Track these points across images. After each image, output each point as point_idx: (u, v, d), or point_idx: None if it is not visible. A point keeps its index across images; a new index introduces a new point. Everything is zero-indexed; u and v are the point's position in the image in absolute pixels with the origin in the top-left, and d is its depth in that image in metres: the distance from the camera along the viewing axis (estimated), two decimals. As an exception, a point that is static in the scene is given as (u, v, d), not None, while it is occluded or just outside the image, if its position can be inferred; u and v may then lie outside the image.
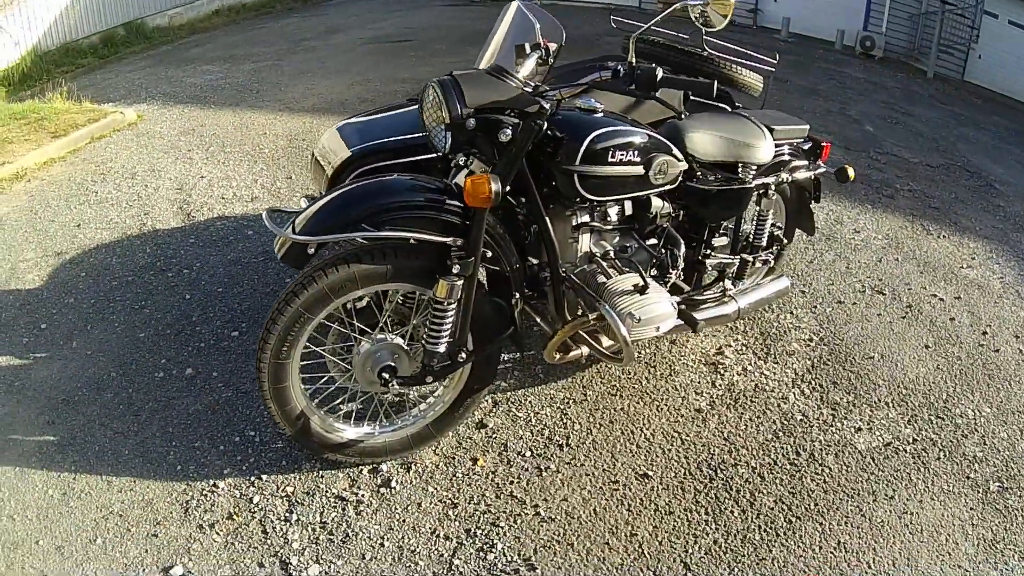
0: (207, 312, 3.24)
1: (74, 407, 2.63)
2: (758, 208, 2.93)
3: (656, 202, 2.56)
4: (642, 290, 2.29)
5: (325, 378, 2.39)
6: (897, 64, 9.35)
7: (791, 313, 3.44)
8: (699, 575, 2.15)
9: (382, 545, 2.21)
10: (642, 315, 2.26)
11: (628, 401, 2.80)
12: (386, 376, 2.24)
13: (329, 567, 2.14)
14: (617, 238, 2.58)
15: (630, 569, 2.16)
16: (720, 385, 2.92)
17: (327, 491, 2.36)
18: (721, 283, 2.88)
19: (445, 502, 2.35)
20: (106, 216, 4.06)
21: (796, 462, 2.56)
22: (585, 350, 2.47)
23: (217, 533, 2.22)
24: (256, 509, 2.30)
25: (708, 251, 2.79)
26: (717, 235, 2.81)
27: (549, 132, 2.24)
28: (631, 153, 2.33)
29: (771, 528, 2.31)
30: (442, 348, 2.24)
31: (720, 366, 3.03)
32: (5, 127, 5.02)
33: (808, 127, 3.04)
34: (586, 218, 2.46)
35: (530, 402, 2.77)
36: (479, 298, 2.28)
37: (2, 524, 2.20)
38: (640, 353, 3.05)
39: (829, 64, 7.77)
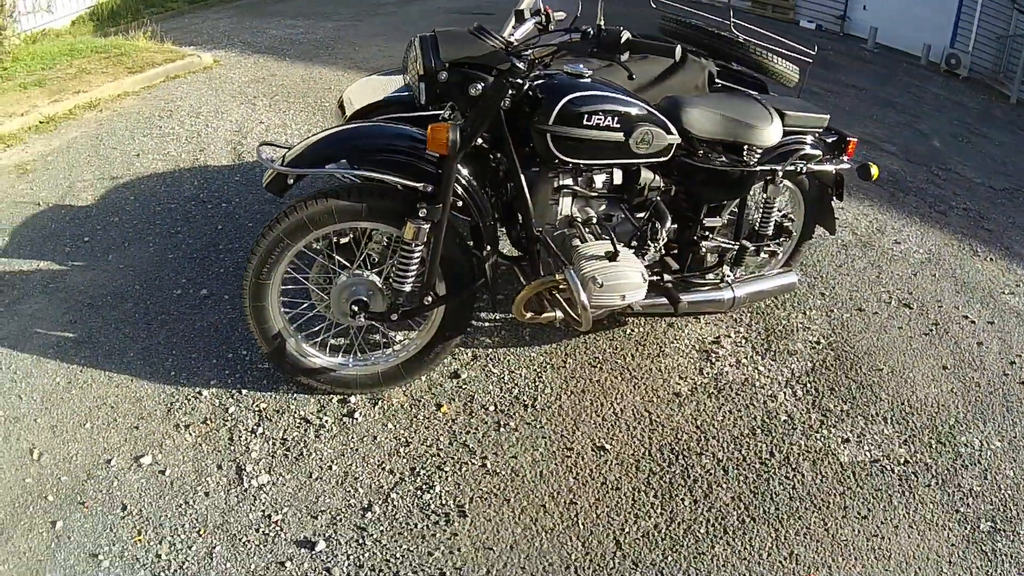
0: (233, 243, 3.27)
1: (96, 311, 2.71)
2: (764, 195, 2.65)
3: (646, 174, 2.38)
4: (612, 257, 2.13)
5: (305, 305, 2.38)
6: (981, 85, 8.30)
7: (804, 313, 3.11)
8: (630, 555, 1.99)
9: (330, 468, 2.17)
10: (605, 281, 2.10)
11: (607, 374, 2.62)
12: (355, 309, 2.22)
13: (278, 479, 2.13)
14: (604, 206, 2.41)
15: (560, 536, 2.03)
16: (707, 373, 2.69)
17: (296, 412, 2.35)
18: (720, 268, 2.67)
19: (400, 439, 2.29)
20: (164, 148, 4.16)
21: (767, 463, 2.33)
22: (559, 313, 2.36)
23: (189, 434, 2.26)
24: (229, 418, 2.32)
25: (704, 232, 2.56)
26: (716, 217, 2.57)
27: (530, 93, 2.17)
28: (609, 119, 2.19)
29: (720, 524, 2.10)
30: (407, 288, 2.18)
31: (713, 355, 2.78)
32: (86, 59, 5.18)
33: (828, 117, 2.71)
34: (568, 181, 2.32)
35: (508, 361, 2.64)
36: (453, 247, 2.20)
37: (10, 401, 2.30)
38: (632, 330, 2.86)
39: (910, 78, 7.05)
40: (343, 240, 2.27)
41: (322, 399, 2.41)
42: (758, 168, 2.53)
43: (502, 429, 2.36)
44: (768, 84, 3.11)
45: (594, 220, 2.33)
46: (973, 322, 3.22)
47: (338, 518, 2.04)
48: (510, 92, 2.10)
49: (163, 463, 2.16)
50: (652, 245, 2.35)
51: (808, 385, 2.69)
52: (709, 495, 2.19)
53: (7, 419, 2.24)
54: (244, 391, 2.41)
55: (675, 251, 2.61)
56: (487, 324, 2.81)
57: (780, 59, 3.03)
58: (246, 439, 2.26)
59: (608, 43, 2.09)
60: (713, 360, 2.76)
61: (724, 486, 2.23)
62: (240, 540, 1.96)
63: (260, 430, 2.29)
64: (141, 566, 1.87)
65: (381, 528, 2.02)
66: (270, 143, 2.26)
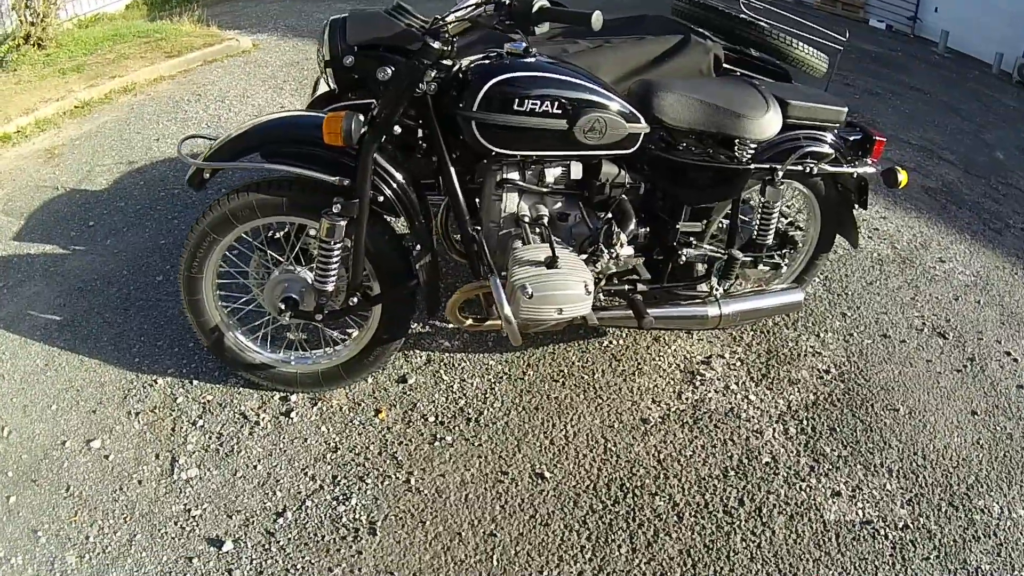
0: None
1: (84, 295, 2.78)
2: (763, 199, 2.30)
3: (608, 168, 2.12)
4: (551, 263, 1.90)
5: (244, 299, 2.32)
6: (1056, 99, 7.07)
7: (818, 335, 2.73)
8: (541, 601, 1.83)
9: (255, 467, 2.11)
10: (537, 291, 1.86)
11: (568, 391, 2.40)
12: (281, 307, 2.14)
13: (205, 473, 2.10)
14: (559, 204, 2.17)
15: (470, 570, 1.86)
16: (686, 399, 2.41)
17: (237, 407, 2.31)
18: (709, 280, 2.36)
19: (329, 444, 2.19)
20: (184, 133, 4.14)
21: (733, 513, 2.05)
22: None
23: (138, 421, 2.26)
24: (175, 408, 2.31)
25: (683, 238, 2.26)
26: (697, 222, 2.26)
27: (460, 75, 1.95)
28: (547, 103, 1.94)
29: (655, 577, 1.88)
30: (330, 287, 2.05)
31: (699, 377, 2.49)
32: (128, 44, 5.28)
33: (846, 110, 2.31)
34: (513, 176, 2.10)
35: (463, 367, 2.47)
36: (384, 244, 2.07)
37: None
38: (611, 342, 2.60)
39: (980, 86, 6.14)
40: (279, 234, 2.19)
41: (265, 395, 2.35)
42: (751, 166, 2.20)
43: (437, 443, 2.21)
44: (794, 74, 2.71)
45: (545, 219, 2.10)
46: (1016, 360, 2.72)
47: (251, 520, 1.99)
48: (435, 75, 1.91)
49: (109, 448, 2.19)
50: (607, 251, 2.08)
51: (805, 422, 2.35)
52: (652, 544, 1.95)
53: None
54: (196, 382, 2.40)
55: (657, 258, 2.33)
56: (449, 327, 2.65)
57: (804, 45, 2.63)
58: (186, 430, 2.24)
59: (519, 13, 1.84)
60: (697, 383, 2.47)
61: (673, 536, 1.98)
62: (159, 531, 1.95)
63: (201, 423, 2.27)
64: (72, 545, 1.91)
65: (289, 536, 1.95)
66: (197, 135, 2.20)
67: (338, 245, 1.99)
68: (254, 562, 1.88)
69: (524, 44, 1.99)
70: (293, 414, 2.29)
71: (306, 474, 2.11)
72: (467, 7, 1.84)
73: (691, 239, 2.27)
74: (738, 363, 2.57)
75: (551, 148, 2.03)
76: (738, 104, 2.12)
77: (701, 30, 2.71)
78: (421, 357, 2.51)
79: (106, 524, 1.96)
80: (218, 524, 1.97)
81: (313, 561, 1.89)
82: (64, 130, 4.14)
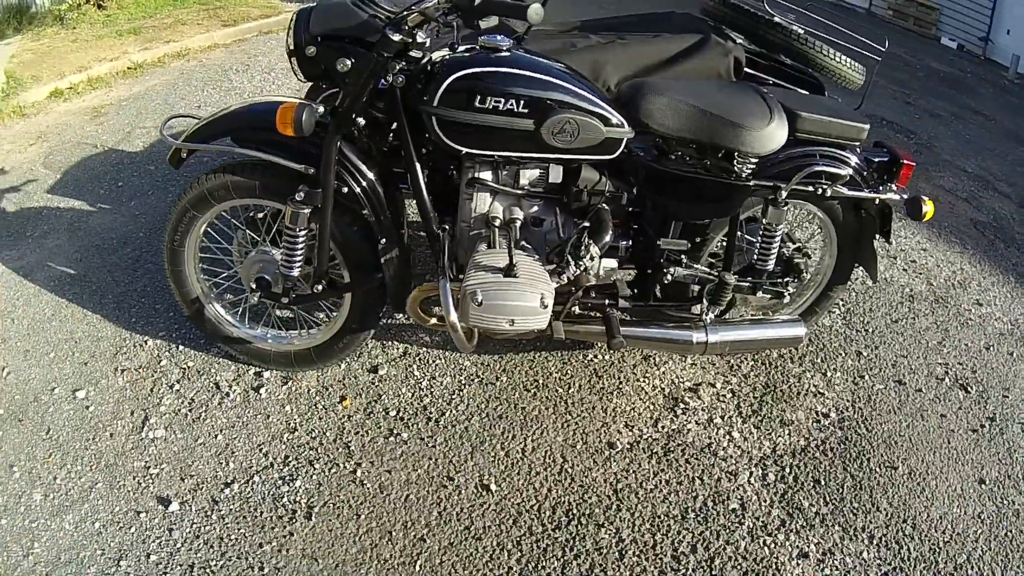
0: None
1: (100, 252, 2.91)
2: (764, 220, 2.11)
3: (588, 174, 2.02)
4: (508, 271, 1.83)
5: (226, 274, 2.36)
6: None
7: (824, 373, 2.51)
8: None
9: (215, 437, 2.17)
10: (487, 299, 1.80)
11: (538, 403, 2.31)
12: (252, 286, 2.16)
13: (170, 436, 2.17)
14: (535, 208, 2.08)
15: (391, 571, 1.85)
16: (663, 427, 2.27)
17: (213, 376, 2.36)
18: (702, 303, 2.20)
19: (289, 425, 2.21)
20: (224, 102, 4.24)
21: (682, 559, 1.90)
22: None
23: (122, 377, 2.36)
24: (158, 369, 2.39)
25: (671, 255, 2.12)
26: (683, 241, 2.11)
27: (429, 69, 1.90)
28: (512, 102, 1.86)
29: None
30: (294, 272, 2.06)
31: (682, 405, 2.34)
32: (187, 10, 5.40)
33: (867, 127, 2.08)
34: (486, 175, 2.03)
35: (437, 365, 2.43)
36: (352, 235, 2.06)
37: (4, 324, 2.55)
38: (596, 356, 2.48)
39: None
40: (259, 215, 2.21)
41: (242, 369, 2.40)
42: (751, 183, 2.02)
43: (392, 438, 2.18)
44: (827, 85, 2.48)
45: (517, 223, 2.02)
46: (1046, 428, 2.39)
47: (200, 486, 2.05)
48: (400, 67, 1.87)
49: (92, 400, 2.30)
50: (573, 263, 1.97)
51: (787, 470, 2.17)
52: (585, 577, 1.85)
53: None
54: (181, 347, 2.48)
55: (645, 274, 2.20)
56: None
57: (838, 53, 2.40)
58: (163, 392, 2.33)
59: (463, 6, 1.75)
60: (678, 412, 2.32)
61: (609, 573, 1.87)
62: (118, 483, 2.05)
63: (177, 387, 2.34)
64: (40, 484, 2.04)
65: (231, 507, 2.00)
66: (183, 115, 2.25)
67: (303, 232, 2.00)
68: (194, 525, 1.94)
69: (500, 37, 1.91)
70: (263, 390, 2.32)
71: (260, 450, 2.14)
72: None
73: (680, 257, 2.13)
74: (729, 394, 2.40)
75: (519, 149, 1.95)
76: (736, 112, 1.95)
77: (726, 31, 2.53)
78: (398, 349, 2.49)
79: (74, 469, 2.08)
80: (171, 485, 2.05)
81: (246, 534, 1.92)
82: (114, 90, 4.35)
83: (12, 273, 2.79)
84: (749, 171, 2.02)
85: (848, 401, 2.42)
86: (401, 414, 2.26)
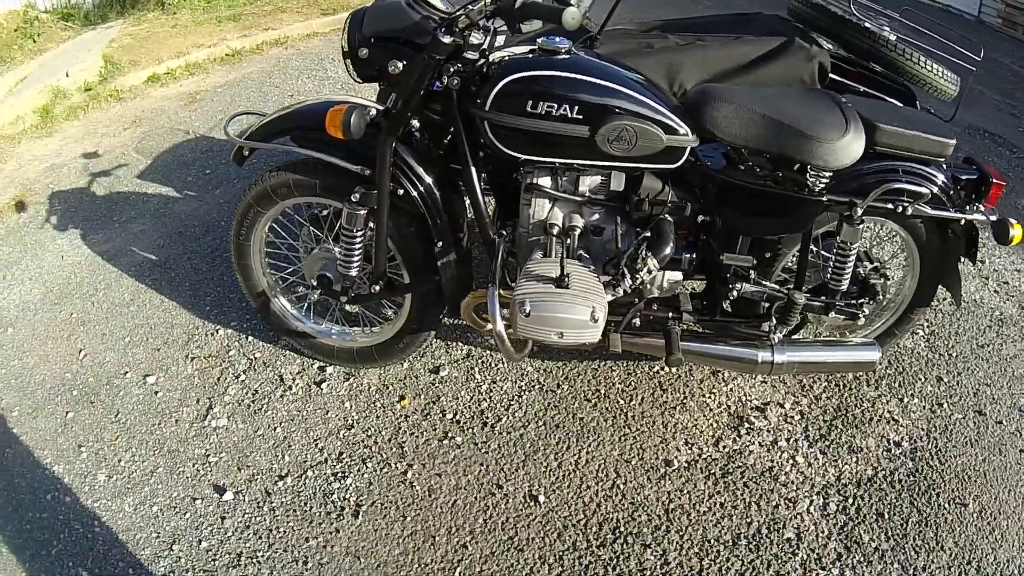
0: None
1: (181, 240, 3.04)
2: (839, 237, 1.97)
3: (650, 182, 1.96)
4: (559, 282, 1.79)
5: (291, 269, 2.40)
6: None
7: (900, 400, 2.35)
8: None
9: (274, 430, 2.24)
10: (535, 311, 1.77)
11: (598, 414, 2.27)
12: (314, 283, 2.20)
13: (232, 425, 2.26)
14: (595, 216, 2.02)
15: (431, 575, 1.87)
16: (724, 447, 2.19)
17: (279, 368, 2.44)
18: (770, 320, 2.10)
19: (347, 421, 2.25)
20: (317, 92, 4.32)
21: (733, 581, 1.86)
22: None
23: (191, 365, 2.46)
24: (227, 359, 2.49)
25: (738, 270, 2.03)
26: (748, 256, 2.02)
27: (484, 71, 1.88)
28: (566, 107, 1.80)
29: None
30: (353, 272, 2.10)
31: (747, 424, 2.25)
32: None
33: (953, 143, 1.92)
34: (544, 180, 1.98)
35: (499, 369, 2.42)
36: (410, 237, 2.07)
37: (86, 306, 2.71)
38: (662, 368, 2.42)
39: None
40: (323, 212, 2.25)
41: (306, 363, 2.46)
42: (824, 198, 1.91)
43: (446, 441, 2.20)
44: (918, 95, 2.31)
45: (577, 231, 1.97)
46: None
47: (256, 477, 2.12)
48: (455, 69, 1.85)
49: (161, 386, 2.42)
50: (629, 275, 1.91)
51: (850, 500, 2.06)
52: (629, 595, 1.82)
53: (77, 321, 2.67)
54: (250, 338, 2.56)
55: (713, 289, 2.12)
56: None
57: (930, 61, 2.22)
58: (229, 382, 2.41)
59: (504, 9, 1.71)
60: (742, 432, 2.24)
61: (655, 591, 1.83)
62: (178, 468, 2.15)
63: (243, 378, 2.42)
64: (105, 465, 2.16)
65: (283, 499, 2.06)
66: (247, 111, 2.29)
67: (360, 233, 2.02)
68: (245, 515, 2.02)
69: (560, 39, 1.86)
70: (324, 385, 2.38)
71: (316, 445, 2.20)
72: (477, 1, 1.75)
73: (748, 272, 2.03)
74: (797, 416, 2.29)
75: (574, 156, 1.90)
76: (808, 122, 1.83)
77: (813, 34, 2.38)
78: (461, 351, 2.50)
79: (138, 453, 2.19)
80: (227, 474, 2.13)
81: (295, 528, 1.99)
82: (211, 76, 4.49)
83: (97, 257, 2.95)
84: (823, 185, 1.90)
85: (923, 430, 2.27)
86: (458, 417, 2.27)
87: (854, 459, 2.17)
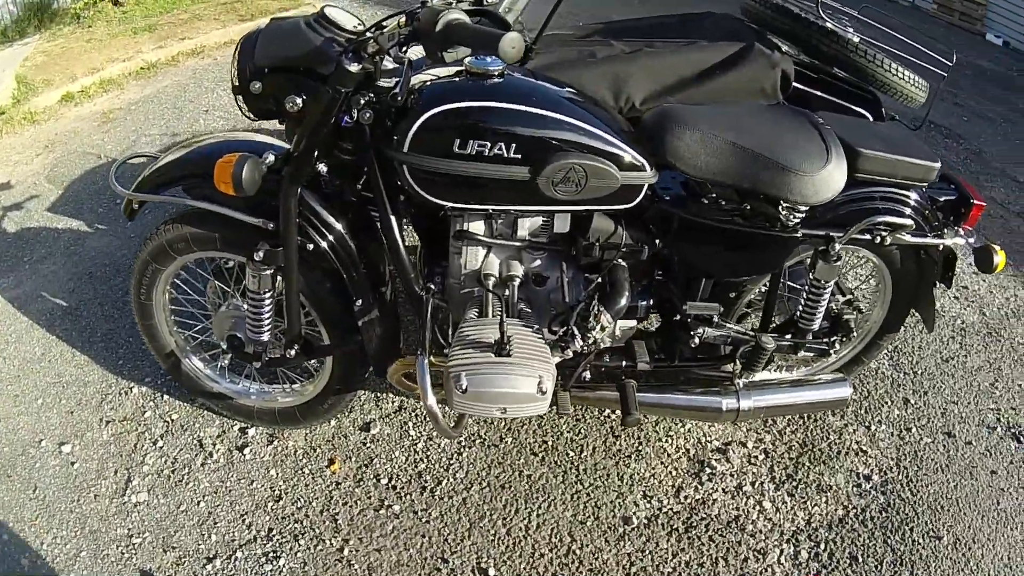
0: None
1: (92, 282, 2.76)
2: (812, 274, 1.79)
3: (600, 223, 1.72)
4: (499, 350, 1.55)
5: (200, 326, 2.17)
6: None
7: (868, 427, 2.23)
8: None
9: (199, 504, 2.02)
10: (472, 385, 1.53)
11: (547, 470, 2.09)
12: (224, 346, 1.96)
13: (153, 500, 2.04)
14: (537, 263, 1.79)
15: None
16: (686, 497, 2.03)
17: (197, 431, 2.21)
18: (733, 363, 1.93)
19: (274, 492, 2.04)
20: (233, 107, 3.96)
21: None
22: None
23: (107, 431, 2.22)
24: (142, 422, 2.24)
25: (694, 319, 1.83)
26: (713, 303, 1.83)
27: (402, 102, 1.58)
28: (502, 144, 1.53)
29: None
30: (264, 337, 1.84)
31: (709, 469, 2.10)
32: (204, 5, 5.16)
33: (938, 166, 1.75)
34: (477, 226, 1.74)
35: (435, 423, 2.24)
36: (326, 293, 1.83)
37: None
38: (613, 412, 2.25)
39: None
40: (229, 264, 2.00)
41: (226, 423, 2.24)
42: (799, 233, 1.73)
43: (383, 511, 2.00)
44: (882, 100, 2.13)
45: (516, 282, 1.74)
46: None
47: (183, 560, 1.92)
48: (367, 101, 1.56)
49: (77, 456, 2.18)
50: (579, 335, 1.70)
51: (823, 545, 1.93)
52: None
53: None
54: (166, 396, 2.33)
55: (672, 332, 1.93)
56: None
57: (900, 67, 2.04)
58: (147, 449, 2.19)
59: (423, 31, 1.44)
60: (704, 478, 2.08)
61: (621, 669, 1.67)
62: (102, 552, 1.94)
63: (160, 443, 2.20)
64: (26, 550, 1.94)
65: (211, 586, 1.85)
66: (140, 154, 2.03)
67: (267, 293, 1.77)
68: (175, 606, 1.81)
69: (492, 59, 1.59)
70: (247, 450, 2.16)
71: (244, 521, 1.99)
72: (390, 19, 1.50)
73: (711, 316, 1.84)
74: (761, 456, 2.15)
75: (511, 202, 1.64)
76: (785, 152, 1.62)
77: (773, 38, 2.18)
78: (392, 403, 2.29)
79: (59, 534, 1.97)
80: (153, 557, 1.92)
81: (226, 620, 1.78)
82: (126, 92, 4.17)
83: (7, 304, 2.68)
84: (797, 220, 1.71)
85: (892, 459, 2.15)
86: (394, 482, 2.07)
87: (823, 499, 2.04)
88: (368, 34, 1.50)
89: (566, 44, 2.24)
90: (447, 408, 1.65)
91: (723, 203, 1.76)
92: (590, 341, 1.71)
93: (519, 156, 1.56)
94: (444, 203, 1.63)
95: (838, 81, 2.17)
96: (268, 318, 1.82)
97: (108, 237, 3.00)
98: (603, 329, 1.69)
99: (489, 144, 1.54)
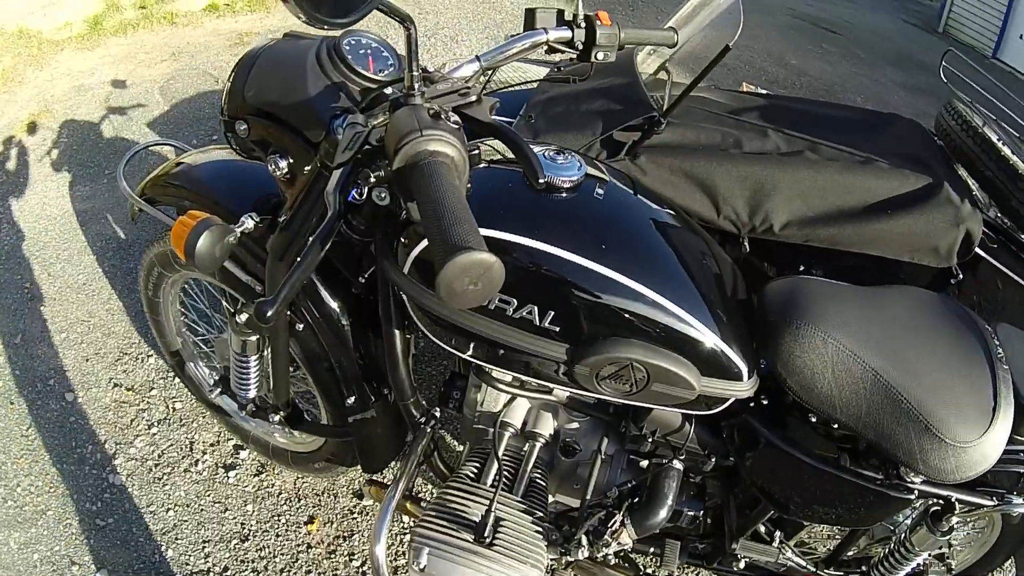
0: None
1: (155, 222, 2.57)
2: (907, 536, 1.34)
3: (661, 416, 1.30)
4: (478, 538, 1.19)
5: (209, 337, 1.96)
6: None
7: None
8: None
9: (167, 511, 1.89)
10: (431, 568, 1.17)
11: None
12: (214, 380, 1.67)
13: (128, 487, 1.94)
14: (572, 424, 1.38)
15: None
16: None
17: (193, 431, 2.06)
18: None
19: (243, 530, 1.86)
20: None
21: None
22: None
23: (111, 394, 2.14)
24: (146, 398, 2.13)
25: (758, 549, 1.42)
26: (784, 522, 1.41)
27: None
28: (533, 309, 1.08)
29: None
30: (251, 394, 1.54)
31: None
32: None
33: None
34: (503, 373, 1.31)
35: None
36: (324, 374, 1.53)
37: (39, 275, 2.43)
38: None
39: None
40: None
41: (223, 433, 2.07)
42: (914, 495, 1.23)
43: (344, 593, 1.77)
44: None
45: (542, 440, 1.35)
46: None
47: (133, 564, 1.80)
48: (380, 175, 1.03)
49: (76, 411, 2.10)
50: (588, 544, 1.31)
51: None
52: None
53: (26, 296, 2.40)
54: (176, 379, 2.19)
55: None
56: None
57: None
58: (140, 430, 2.08)
59: (473, 117, 1.00)
60: None
61: None
62: (66, 518, 1.87)
63: (155, 431, 2.07)
64: (3, 485, 1.91)
65: (154, 605, 1.74)
66: (161, 142, 1.82)
67: (254, 357, 1.47)
68: (110, 603, 1.72)
69: (577, 162, 1.14)
70: (233, 473, 1.98)
71: (203, 549, 1.84)
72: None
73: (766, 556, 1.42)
74: None
75: (542, 378, 1.18)
76: (941, 406, 1.11)
77: (963, 172, 1.63)
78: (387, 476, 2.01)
79: (35, 484, 1.94)
80: (110, 546, 1.83)
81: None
82: (271, 16, 4.02)
83: (73, 218, 2.68)
84: (920, 480, 1.22)
85: None
86: (365, 568, 1.82)
87: None
88: (387, 89, 1.05)
89: (710, 114, 1.75)
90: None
91: (830, 437, 1.27)
92: (598, 554, 1.34)
93: (556, 329, 1.10)
94: (455, 352, 1.20)
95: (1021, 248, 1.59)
96: (255, 378, 1.52)
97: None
98: (620, 546, 1.31)
99: (516, 303, 1.09)
